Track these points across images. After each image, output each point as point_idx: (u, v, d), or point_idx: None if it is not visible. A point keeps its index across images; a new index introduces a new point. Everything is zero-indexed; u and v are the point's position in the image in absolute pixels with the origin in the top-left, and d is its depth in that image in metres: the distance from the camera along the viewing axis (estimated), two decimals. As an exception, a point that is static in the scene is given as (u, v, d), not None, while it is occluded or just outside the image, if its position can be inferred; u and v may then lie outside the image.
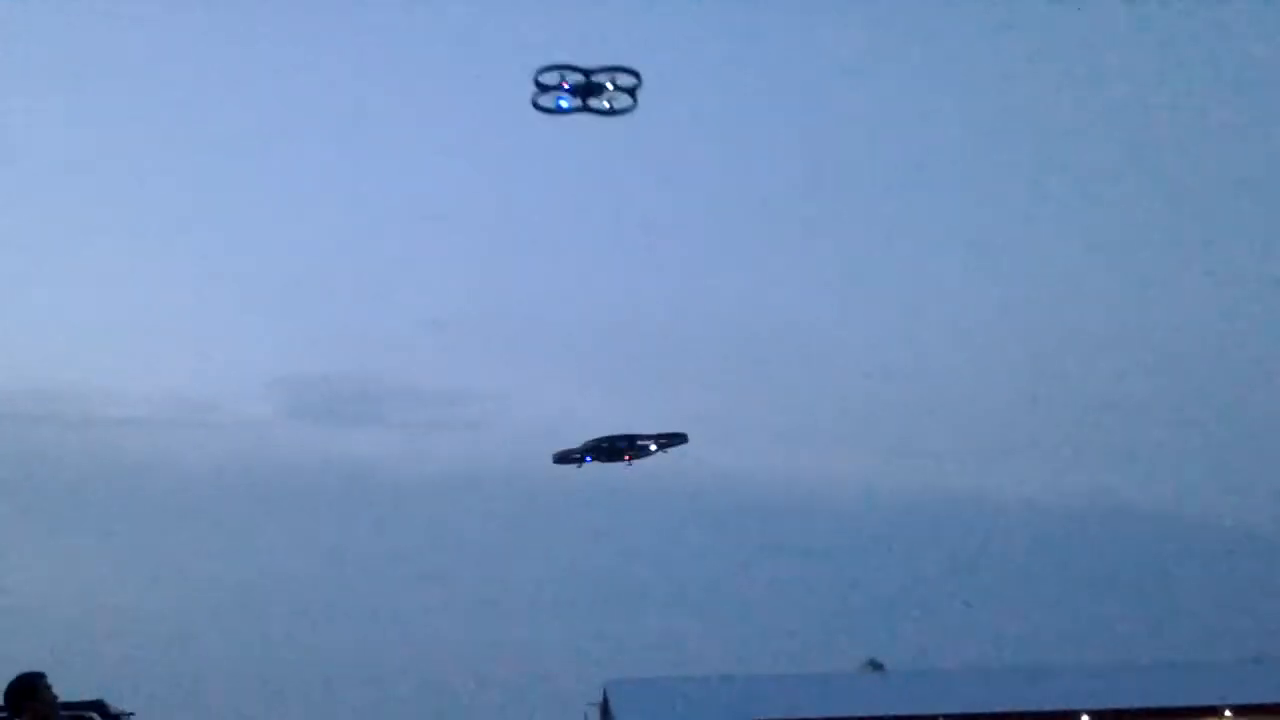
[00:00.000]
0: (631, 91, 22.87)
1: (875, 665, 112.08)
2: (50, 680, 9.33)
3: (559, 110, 22.46)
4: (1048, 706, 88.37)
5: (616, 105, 22.93)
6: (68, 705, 10.17)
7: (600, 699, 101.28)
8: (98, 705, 10.50)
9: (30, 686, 9.08)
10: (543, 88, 18.24)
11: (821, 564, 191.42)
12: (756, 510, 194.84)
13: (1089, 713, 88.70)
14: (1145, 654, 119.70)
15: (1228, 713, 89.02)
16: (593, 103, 22.76)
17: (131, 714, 11.09)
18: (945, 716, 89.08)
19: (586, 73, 13.57)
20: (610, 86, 22.49)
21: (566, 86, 21.21)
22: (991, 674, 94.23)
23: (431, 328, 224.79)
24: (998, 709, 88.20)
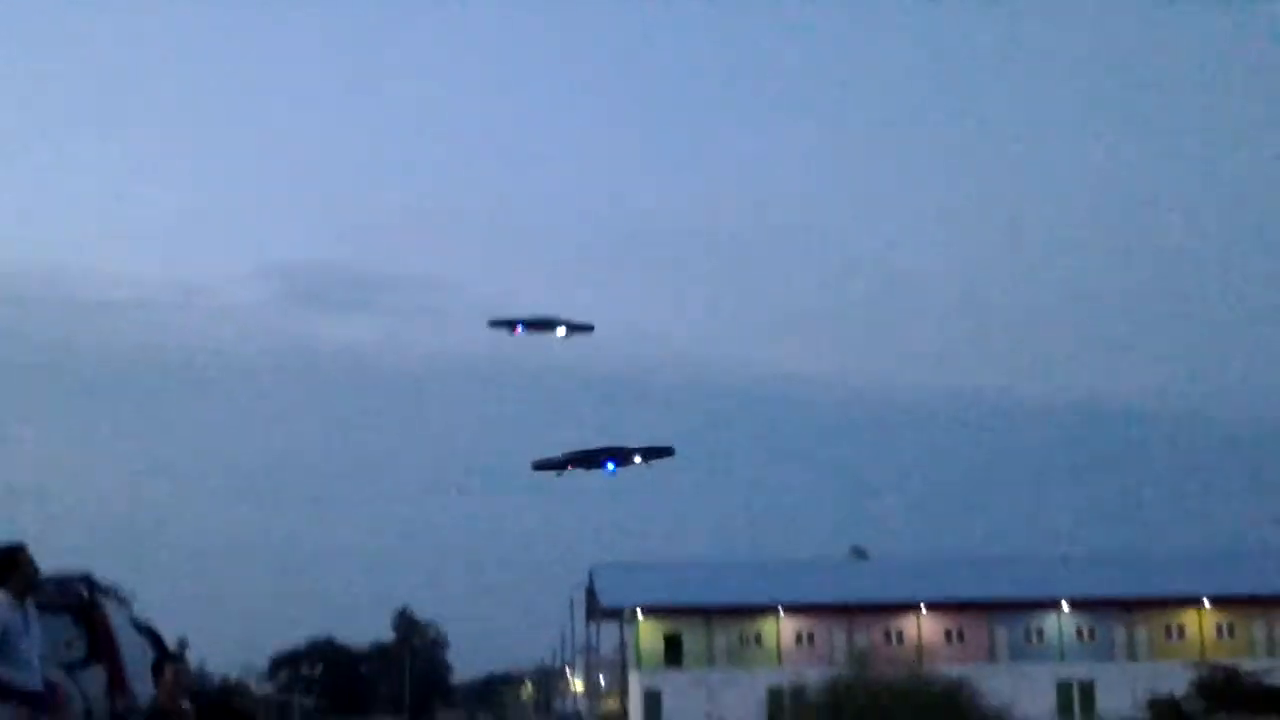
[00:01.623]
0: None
1: (859, 553, 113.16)
2: (33, 553, 9.16)
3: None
4: (1028, 595, 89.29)
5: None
6: (54, 578, 10.04)
7: (586, 581, 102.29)
8: (84, 578, 10.38)
9: (10, 559, 8.95)
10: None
11: (807, 454, 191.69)
12: (740, 400, 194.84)
13: (1069, 600, 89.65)
14: (1125, 546, 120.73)
15: (1206, 603, 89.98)
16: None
17: (120, 587, 11.12)
18: (927, 603, 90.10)
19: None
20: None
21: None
22: (972, 563, 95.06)
23: (418, 216, 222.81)
24: (978, 597, 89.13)
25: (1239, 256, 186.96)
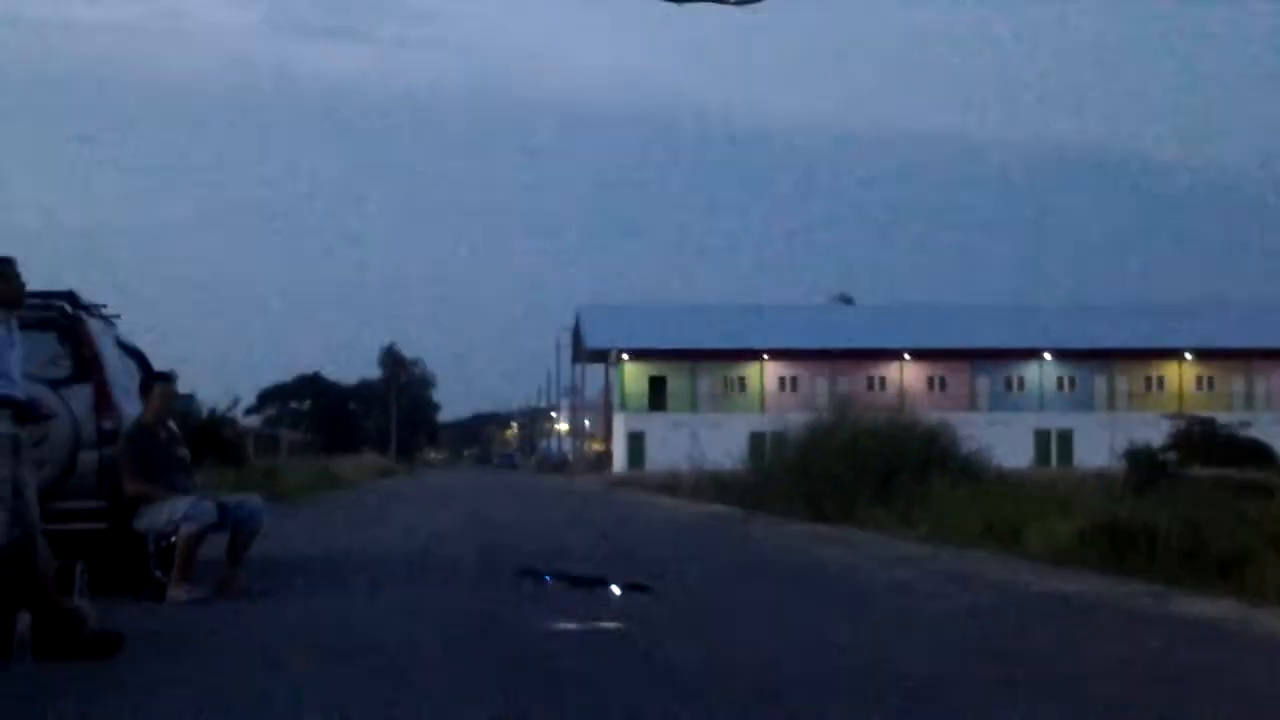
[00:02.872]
0: None
1: (844, 299, 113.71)
2: (20, 268, 9.03)
3: None
4: (1010, 344, 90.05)
5: None
6: (37, 294, 9.94)
7: (573, 323, 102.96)
8: (68, 296, 10.27)
9: (-4, 270, 8.79)
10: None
11: (792, 198, 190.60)
12: (725, 142, 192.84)
13: (1051, 351, 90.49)
14: (1106, 297, 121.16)
15: (1187, 355, 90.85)
16: None
17: (104, 305, 10.94)
18: (910, 351, 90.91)
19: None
20: None
21: None
22: (957, 311, 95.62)
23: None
24: (961, 345, 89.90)
25: (1233, 18, 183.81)
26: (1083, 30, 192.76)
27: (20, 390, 8.34)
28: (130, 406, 11.36)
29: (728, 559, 15.69)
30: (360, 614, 9.94)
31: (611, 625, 9.17)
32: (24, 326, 9.23)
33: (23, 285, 8.87)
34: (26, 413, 8.55)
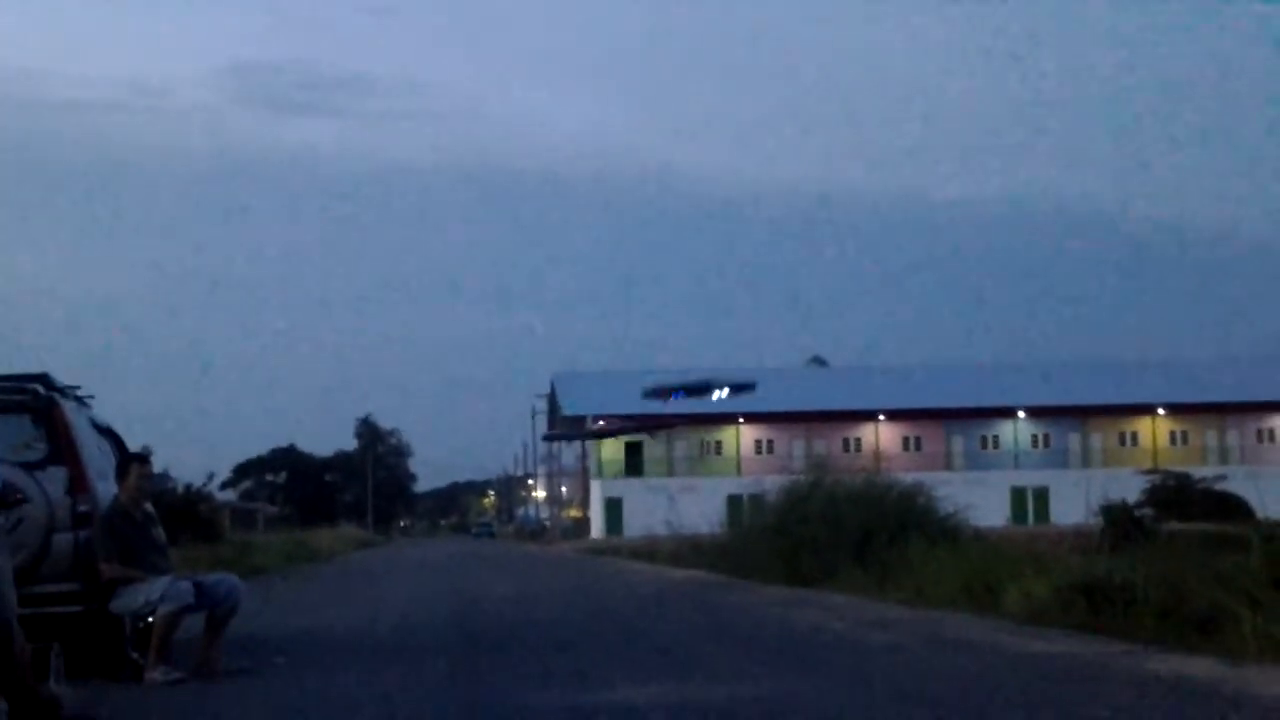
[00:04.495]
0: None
1: (818, 361, 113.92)
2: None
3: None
4: (984, 403, 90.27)
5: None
6: (10, 376, 9.94)
7: (548, 390, 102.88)
8: (42, 378, 10.21)
9: (-31, 357, 8.79)
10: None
11: (768, 260, 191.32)
12: (703, 209, 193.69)
13: (1024, 408, 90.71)
14: (1081, 353, 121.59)
15: (1160, 411, 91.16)
16: None
17: (77, 387, 10.87)
18: (885, 412, 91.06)
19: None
20: None
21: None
22: (930, 371, 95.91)
23: (382, 13, 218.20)
24: (935, 405, 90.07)
25: (1206, 69, 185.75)
26: (1049, 86, 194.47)
27: (-5, 476, 8.34)
28: (106, 488, 11.33)
29: (703, 624, 15.68)
30: (339, 693, 9.90)
31: (585, 699, 9.15)
32: (-2, 410, 9.24)
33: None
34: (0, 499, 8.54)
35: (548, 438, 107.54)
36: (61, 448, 11.11)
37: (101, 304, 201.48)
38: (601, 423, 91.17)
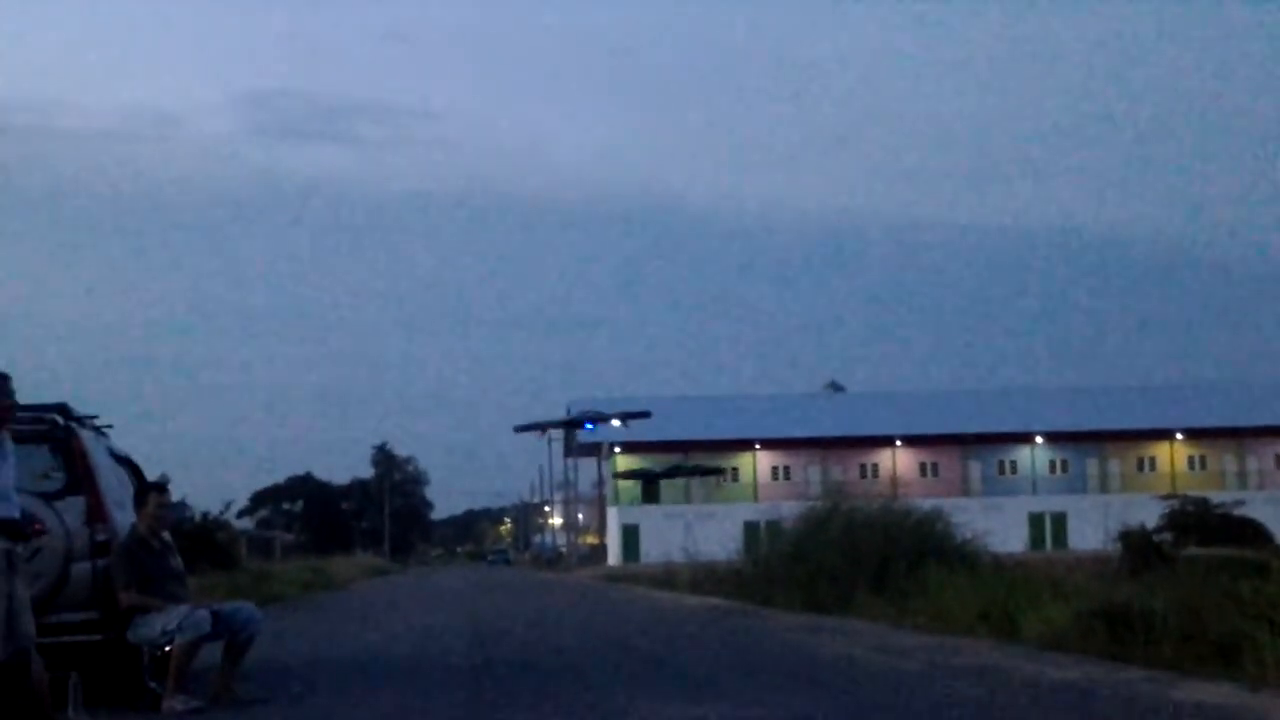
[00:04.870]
0: None
1: (835, 387, 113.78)
2: (14, 384, 9.09)
3: None
4: (1002, 429, 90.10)
5: None
6: (29, 407, 9.96)
7: (564, 416, 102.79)
8: (60, 408, 10.25)
9: (-16, 385, 8.84)
10: None
11: (784, 286, 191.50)
12: (718, 236, 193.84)
13: (1042, 434, 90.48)
14: (1099, 378, 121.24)
15: (1179, 435, 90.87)
16: None
17: (95, 417, 10.88)
18: (902, 437, 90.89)
19: None
20: None
21: None
22: (947, 396, 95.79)
23: (394, 40, 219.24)
24: (953, 431, 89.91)
25: (1224, 95, 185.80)
26: (1066, 110, 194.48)
27: (15, 509, 8.35)
28: (124, 517, 11.35)
29: (721, 651, 15.64)
30: (357, 720, 9.89)
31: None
32: (17, 440, 9.26)
33: (14, 400, 8.91)
34: (18, 531, 8.56)
35: (569, 454, 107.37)
36: (80, 477, 11.14)
37: (118, 333, 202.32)
38: (617, 449, 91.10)
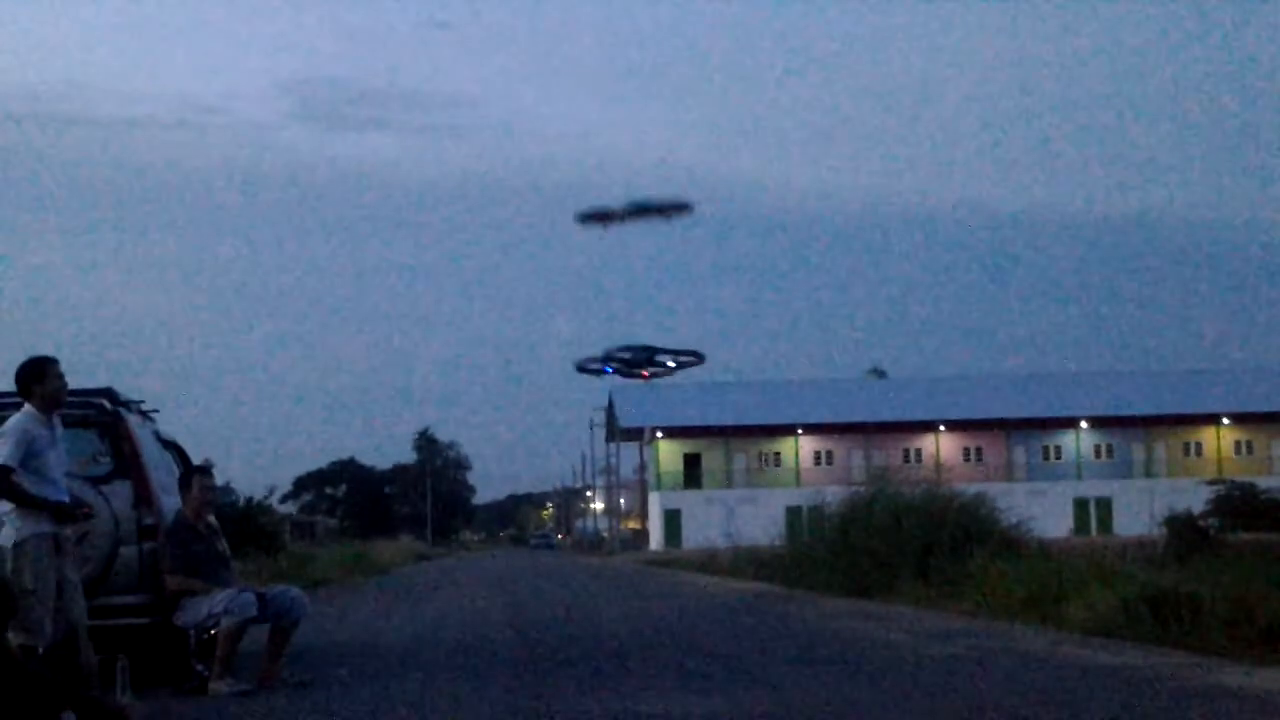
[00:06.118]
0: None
1: (877, 373, 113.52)
2: (62, 368, 9.19)
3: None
4: (1046, 413, 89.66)
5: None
6: (76, 391, 10.04)
7: (606, 402, 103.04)
8: (107, 392, 10.35)
9: (39, 370, 8.97)
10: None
11: (826, 271, 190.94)
12: (760, 222, 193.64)
13: (1087, 418, 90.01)
14: (1144, 363, 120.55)
15: (1225, 420, 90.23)
16: None
17: (141, 402, 10.97)
18: (945, 422, 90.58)
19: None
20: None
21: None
22: (991, 381, 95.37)
23: (438, 28, 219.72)
24: (997, 415, 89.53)
25: (1264, 77, 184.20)
26: (1109, 94, 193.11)
27: (64, 493, 8.43)
28: (170, 501, 11.42)
29: (763, 636, 15.63)
30: (401, 704, 9.92)
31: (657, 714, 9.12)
32: (65, 424, 9.36)
33: (64, 385, 9.01)
34: (66, 514, 8.63)
35: (610, 439, 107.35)
36: (127, 462, 11.22)
37: (163, 319, 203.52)
38: (660, 434, 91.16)
